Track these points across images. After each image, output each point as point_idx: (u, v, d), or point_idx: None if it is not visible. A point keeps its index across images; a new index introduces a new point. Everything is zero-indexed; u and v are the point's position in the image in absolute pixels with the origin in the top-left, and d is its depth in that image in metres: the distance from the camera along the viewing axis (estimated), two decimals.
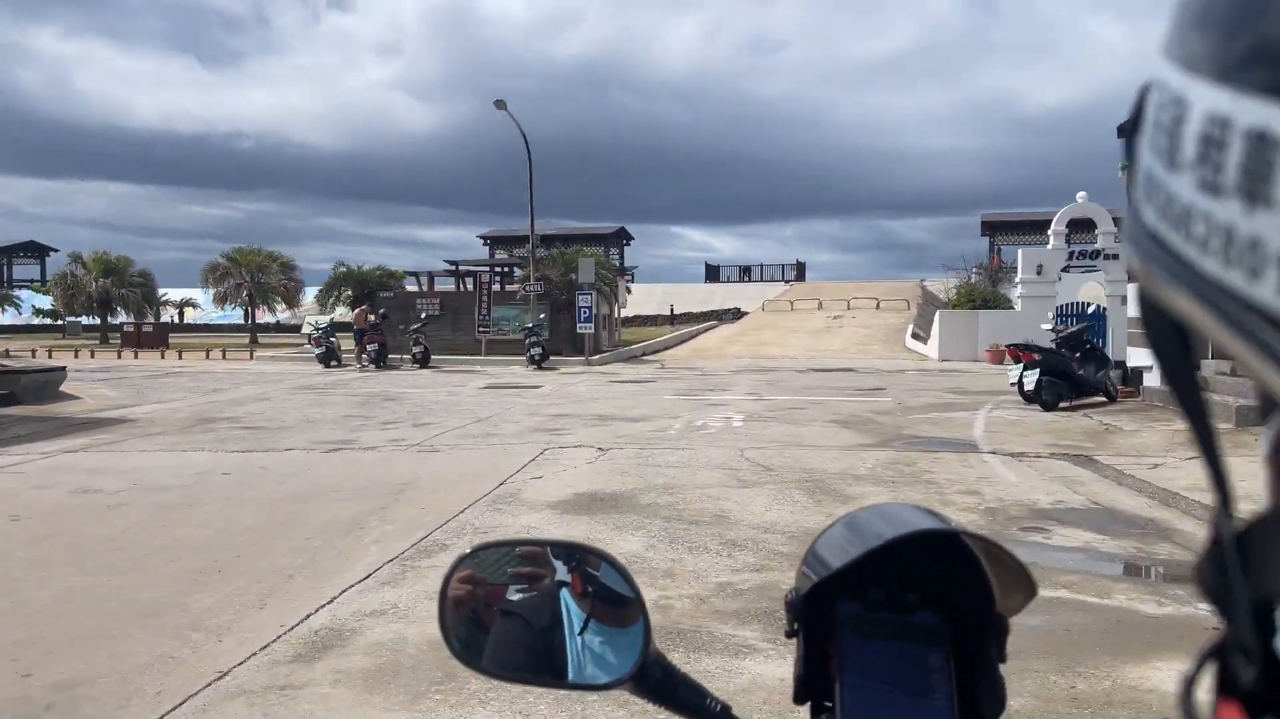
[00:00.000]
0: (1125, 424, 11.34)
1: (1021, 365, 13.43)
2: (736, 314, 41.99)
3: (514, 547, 0.80)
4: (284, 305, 36.21)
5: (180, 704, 3.54)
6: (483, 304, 25.88)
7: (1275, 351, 0.28)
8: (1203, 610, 4.22)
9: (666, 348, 30.40)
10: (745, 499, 7.20)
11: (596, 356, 24.66)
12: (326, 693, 3.66)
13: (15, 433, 11.28)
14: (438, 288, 37.77)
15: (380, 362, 23.11)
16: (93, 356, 28.06)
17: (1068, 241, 24.79)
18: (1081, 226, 26.12)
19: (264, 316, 40.15)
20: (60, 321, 44.14)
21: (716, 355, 27.29)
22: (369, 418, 12.77)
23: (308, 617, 4.45)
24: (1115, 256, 23.28)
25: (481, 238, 55.25)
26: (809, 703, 0.72)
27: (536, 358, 22.52)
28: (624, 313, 36.55)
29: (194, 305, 49.33)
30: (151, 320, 36.56)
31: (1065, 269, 24.63)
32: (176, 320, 52.27)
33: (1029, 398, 13.20)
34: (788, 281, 52.36)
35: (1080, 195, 24.07)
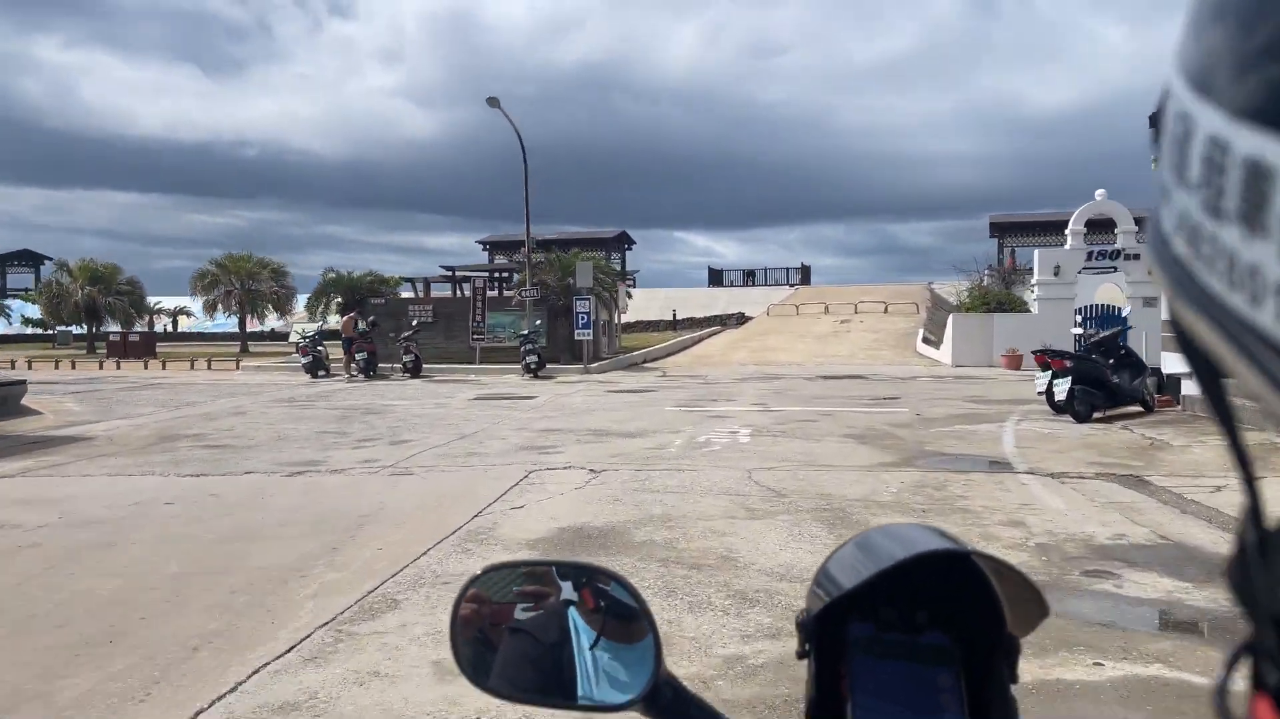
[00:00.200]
0: (1171, 438, 10.33)
1: (1050, 373, 12.45)
2: (741, 319, 41.00)
3: (520, 567, 0.82)
4: (276, 313, 35.21)
5: None
6: (477, 310, 24.89)
7: (1276, 377, 0.28)
8: None
9: (668, 354, 29.42)
10: (755, 534, 6.22)
11: (595, 364, 23.68)
12: None
13: None
14: (434, 294, 36.88)
15: (369, 371, 22.15)
16: (74, 367, 27.13)
17: (1085, 241, 23.79)
18: (1098, 227, 25.09)
19: (259, 325, 39.32)
20: (51, 331, 43.33)
21: (720, 362, 26.31)
22: (345, 434, 11.81)
23: (196, 715, 3.46)
24: (1136, 257, 22.25)
25: (481, 243, 54.35)
26: None
27: (532, 366, 21.54)
28: (625, 318, 35.58)
29: (188, 314, 48.48)
30: (139, 329, 35.56)
31: (1083, 270, 23.64)
32: (171, 329, 51.50)
33: (1059, 408, 12.21)
34: (792, 285, 51.33)
35: (1099, 193, 23.08)
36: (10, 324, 48.40)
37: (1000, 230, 48.35)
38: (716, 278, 56.63)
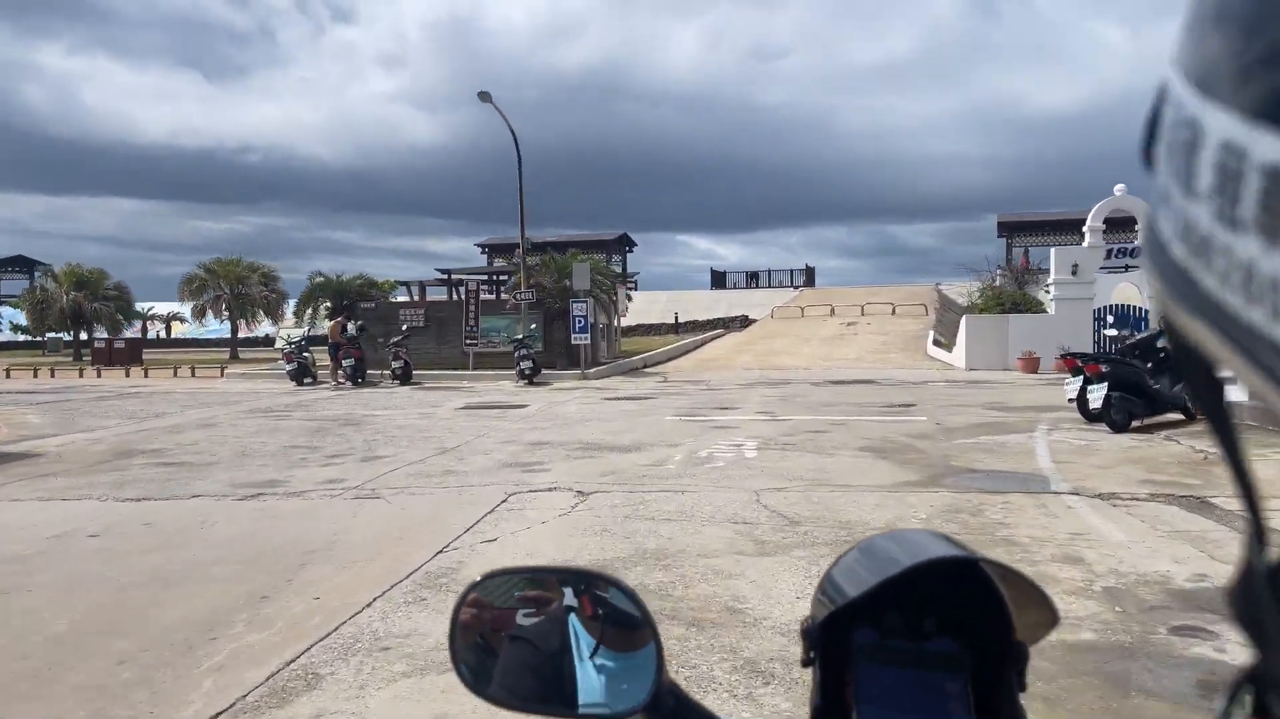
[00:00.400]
0: None
1: (1082, 378, 11.46)
2: (744, 322, 40.03)
3: (520, 573, 0.80)
4: (268, 318, 34.25)
5: None
6: (470, 314, 23.90)
7: None
8: None
9: (669, 359, 28.43)
10: (766, 575, 5.24)
11: (593, 370, 22.70)
12: None
13: None
14: (430, 298, 35.94)
15: (357, 378, 21.20)
16: (53, 375, 26.19)
17: (1105, 239, 22.78)
18: (1115, 225, 24.08)
19: (254, 330, 38.39)
20: (42, 338, 42.46)
21: (724, 366, 25.32)
22: (315, 449, 10.84)
23: None
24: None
25: (479, 245, 53.41)
26: None
27: (527, 372, 20.57)
28: (625, 322, 34.62)
29: (182, 320, 47.60)
30: (126, 336, 34.59)
31: (1102, 269, 22.65)
32: (165, 335, 50.64)
33: (1092, 416, 11.22)
34: (797, 287, 50.33)
35: (1118, 188, 22.08)
36: (1, 331, 47.51)
37: (1009, 230, 47.31)
38: (719, 280, 55.62)
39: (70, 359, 32.86)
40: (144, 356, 32.09)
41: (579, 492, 7.83)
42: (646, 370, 25.05)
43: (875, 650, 0.69)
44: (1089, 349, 21.34)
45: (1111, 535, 6.12)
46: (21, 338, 46.77)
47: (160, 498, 8.01)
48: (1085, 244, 22.59)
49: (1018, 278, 26.85)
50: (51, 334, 39.21)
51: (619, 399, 16.77)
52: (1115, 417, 10.67)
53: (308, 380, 21.67)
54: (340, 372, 21.24)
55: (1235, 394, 0.34)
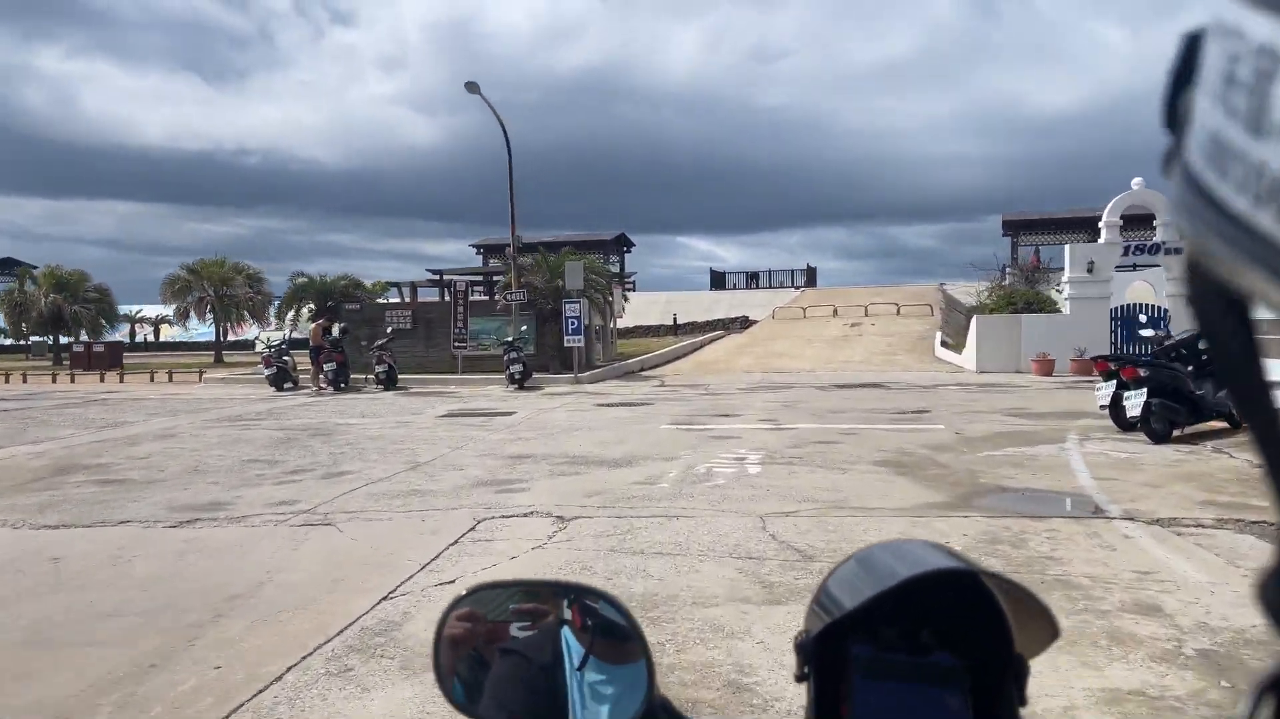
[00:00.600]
0: None
1: (1115, 383, 10.48)
2: (744, 323, 39.06)
3: (510, 587, 0.78)
4: (254, 320, 33.21)
5: None
6: (459, 316, 22.88)
7: None
8: None
9: (667, 362, 27.44)
10: (776, 634, 4.26)
11: (587, 373, 21.71)
12: None
13: None
14: (422, 299, 34.95)
15: (339, 383, 20.21)
16: (25, 381, 25.17)
17: (1121, 235, 21.80)
18: (1130, 222, 23.07)
19: (242, 333, 37.41)
20: (23, 342, 41.47)
21: (724, 369, 24.33)
22: (275, 463, 9.86)
23: None
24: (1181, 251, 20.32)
25: (474, 246, 52.42)
26: None
27: (517, 376, 19.57)
28: (623, 323, 33.64)
29: (170, 323, 46.58)
30: (106, 339, 33.57)
31: (1119, 267, 21.69)
32: (154, 338, 49.65)
33: (1128, 424, 10.24)
34: (798, 287, 49.34)
35: (1136, 182, 21.11)
36: None
37: (1013, 228, 46.38)
38: (719, 280, 54.61)
39: (50, 363, 31.86)
40: (125, 361, 31.15)
41: (558, 517, 6.85)
42: (643, 374, 24.07)
43: (872, 664, 0.66)
44: (1106, 350, 20.38)
45: (1187, 575, 5.14)
46: (7, 342, 45.82)
47: (82, 525, 7.03)
48: (1102, 240, 21.61)
49: (1028, 276, 25.84)
50: (36, 338, 38.27)
51: (612, 405, 15.79)
52: (1156, 425, 9.68)
53: (288, 386, 20.69)
54: (322, 376, 20.26)
55: None
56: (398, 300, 33.69)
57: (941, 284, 42.71)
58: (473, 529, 6.54)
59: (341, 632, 4.44)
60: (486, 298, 27.68)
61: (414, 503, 7.56)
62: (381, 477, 8.86)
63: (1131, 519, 6.48)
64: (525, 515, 6.94)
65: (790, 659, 2.56)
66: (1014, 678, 0.66)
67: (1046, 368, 20.58)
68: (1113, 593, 4.85)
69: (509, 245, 26.47)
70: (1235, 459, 8.81)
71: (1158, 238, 21.31)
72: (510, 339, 20.55)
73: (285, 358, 20.68)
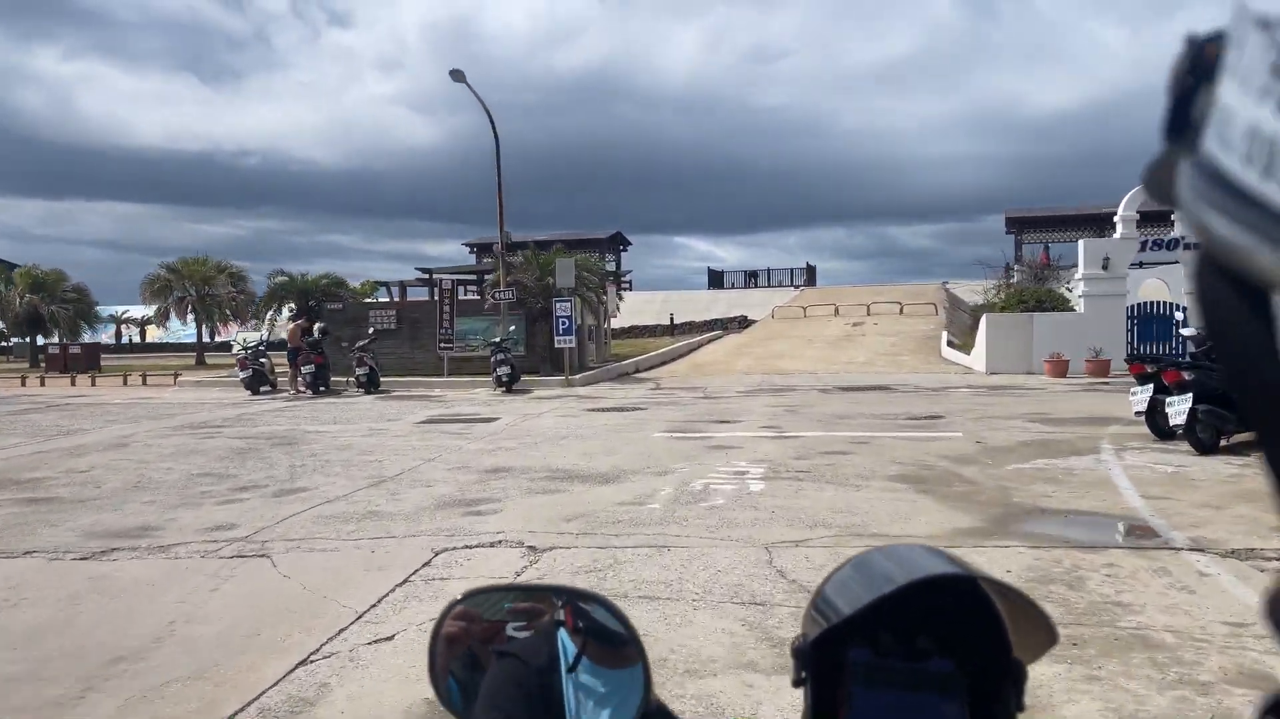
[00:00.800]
0: None
1: (1152, 387, 9.54)
2: (743, 322, 38.09)
3: (512, 591, 0.78)
4: (237, 321, 32.20)
5: None
6: (444, 315, 21.89)
7: None
8: None
9: (664, 363, 26.46)
10: (791, 715, 3.29)
11: (579, 375, 20.73)
12: None
13: None
14: (411, 298, 33.98)
15: (318, 387, 19.23)
16: None
17: (1138, 231, 20.85)
18: (1146, 218, 22.13)
19: (226, 333, 36.41)
20: (6, 343, 40.49)
21: (722, 371, 23.35)
22: (225, 478, 8.89)
23: None
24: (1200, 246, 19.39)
25: (467, 244, 51.33)
26: None
27: (504, 379, 18.59)
28: (618, 323, 32.69)
29: (154, 323, 45.55)
30: (84, 341, 32.54)
31: (1135, 263, 20.75)
32: (140, 339, 48.60)
33: (1166, 432, 9.30)
34: (798, 287, 48.34)
35: None
36: None
37: (1017, 226, 45.39)
38: (717, 279, 53.59)
39: (27, 365, 30.86)
40: (104, 363, 30.15)
41: (530, 547, 5.89)
42: (638, 375, 23.09)
43: (870, 670, 0.65)
44: (1123, 349, 19.45)
45: None
46: None
47: None
48: (1117, 235, 20.67)
49: (1037, 274, 24.88)
50: (18, 339, 37.31)
51: (603, 410, 14.82)
52: (1202, 435, 8.74)
53: (265, 389, 19.70)
54: (300, 379, 19.28)
55: None
56: (387, 300, 32.77)
57: (944, 283, 41.79)
58: (428, 564, 5.58)
59: (239, 712, 3.48)
60: (477, 297, 26.71)
61: (368, 528, 6.60)
62: (338, 494, 7.90)
63: (1201, 550, 5.52)
64: (492, 545, 5.98)
65: None
66: (1012, 683, 0.65)
67: (1060, 369, 19.63)
68: (1207, 655, 3.90)
69: (515, 245, 25.53)
70: None
71: (1175, 233, 20.36)
72: (498, 340, 19.57)
73: (262, 360, 19.70)
